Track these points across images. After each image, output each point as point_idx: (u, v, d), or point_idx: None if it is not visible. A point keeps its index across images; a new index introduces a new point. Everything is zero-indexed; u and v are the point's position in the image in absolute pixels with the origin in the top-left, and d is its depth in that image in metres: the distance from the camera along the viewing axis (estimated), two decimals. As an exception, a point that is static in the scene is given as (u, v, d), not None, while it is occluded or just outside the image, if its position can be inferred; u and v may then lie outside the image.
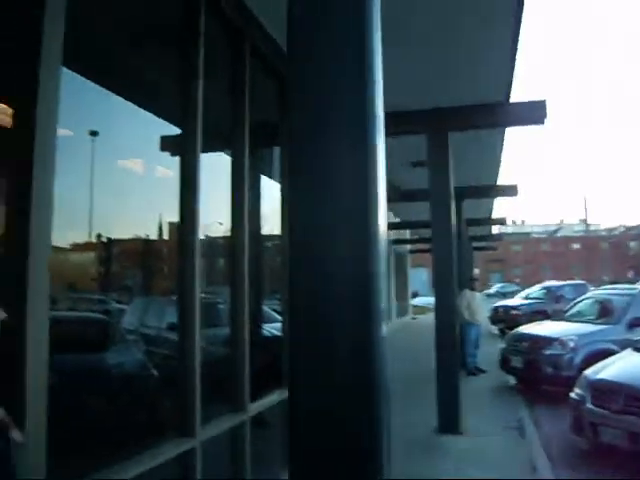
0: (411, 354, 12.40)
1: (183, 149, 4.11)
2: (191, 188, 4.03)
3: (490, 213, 18.78)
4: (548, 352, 10.19)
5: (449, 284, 7.95)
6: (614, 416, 6.53)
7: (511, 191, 14.16)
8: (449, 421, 7.70)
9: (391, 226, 21.14)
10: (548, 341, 10.49)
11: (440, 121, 7.95)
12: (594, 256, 72.98)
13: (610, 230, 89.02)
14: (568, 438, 7.29)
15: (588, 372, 7.76)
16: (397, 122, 8.12)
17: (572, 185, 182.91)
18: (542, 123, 8.20)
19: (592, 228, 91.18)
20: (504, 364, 11.25)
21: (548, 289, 21.39)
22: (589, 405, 6.93)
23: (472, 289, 12.40)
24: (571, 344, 10.13)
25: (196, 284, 3.95)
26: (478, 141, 9.69)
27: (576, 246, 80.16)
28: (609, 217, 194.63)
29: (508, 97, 7.66)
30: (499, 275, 70.22)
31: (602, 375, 7.38)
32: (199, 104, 4.11)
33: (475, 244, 26.09)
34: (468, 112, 7.85)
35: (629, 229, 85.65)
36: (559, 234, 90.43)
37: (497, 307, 21.98)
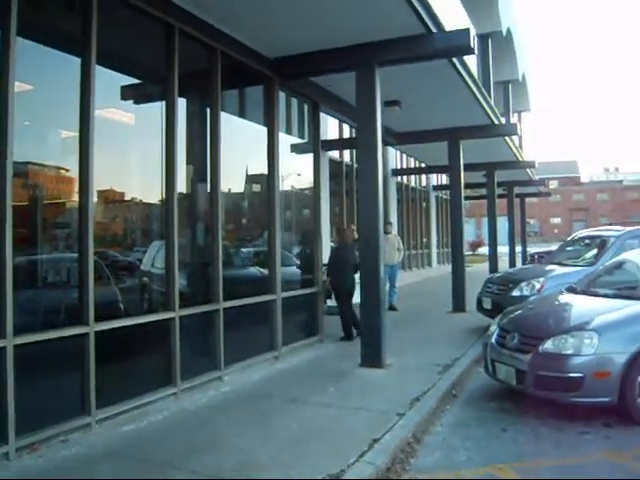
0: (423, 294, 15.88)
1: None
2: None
3: (518, 157, 18.05)
4: (514, 294, 9.96)
5: (374, 228, 7.84)
6: (507, 353, 6.44)
7: (511, 130, 13.63)
8: (372, 356, 7.79)
9: (413, 171, 20.97)
10: (516, 283, 10.25)
11: (365, 55, 7.74)
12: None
13: None
14: (486, 379, 7.17)
15: (508, 310, 7.65)
16: (324, 60, 8.07)
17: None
18: (470, 53, 7.90)
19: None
20: (478, 305, 11.09)
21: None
22: (492, 341, 6.84)
23: (385, 232, 12.02)
24: (537, 285, 9.87)
25: None
26: (435, 79, 9.49)
27: (668, 194, 75.83)
28: None
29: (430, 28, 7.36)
30: (582, 224, 67.34)
31: (512, 314, 7.26)
32: None
33: (518, 190, 25.33)
34: (393, 45, 7.61)
35: None
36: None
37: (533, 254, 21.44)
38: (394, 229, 16.51)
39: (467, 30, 7.45)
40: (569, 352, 5.81)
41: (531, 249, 28.60)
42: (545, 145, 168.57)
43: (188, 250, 7.25)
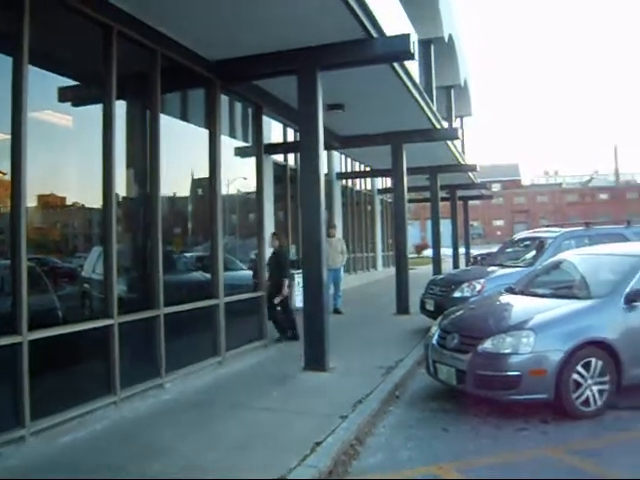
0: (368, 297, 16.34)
1: None
2: None
3: (460, 160, 18.38)
4: (455, 295, 10.13)
5: (317, 231, 7.84)
6: (448, 353, 6.54)
7: (452, 134, 13.88)
8: (315, 359, 7.79)
9: (358, 174, 21.13)
10: (458, 284, 10.43)
11: (307, 59, 7.74)
12: (622, 207, 70.92)
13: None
14: (428, 379, 7.24)
15: (448, 311, 7.78)
16: (266, 64, 8.05)
17: (606, 135, 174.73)
18: (410, 58, 8.00)
19: (628, 178, 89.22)
20: (421, 307, 11.24)
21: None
22: (433, 342, 6.93)
23: (328, 236, 12.22)
24: (478, 287, 10.06)
25: None
26: (377, 84, 9.58)
27: (604, 197, 78.56)
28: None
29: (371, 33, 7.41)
30: (524, 226, 69.07)
31: (452, 315, 7.39)
32: None
33: (462, 193, 25.82)
34: (334, 49, 7.63)
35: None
36: (591, 185, 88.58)
37: (475, 256, 21.87)
38: (339, 232, 16.61)
39: (407, 35, 7.54)
40: (507, 351, 5.94)
41: (474, 251, 29.17)
42: (488, 149, 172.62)
43: (128, 255, 7.11)
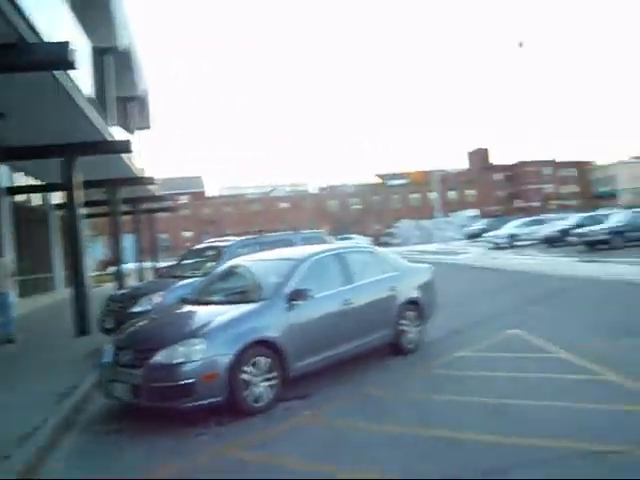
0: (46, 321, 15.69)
1: None
2: None
3: (137, 173, 18.20)
4: (135, 310, 9.94)
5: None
6: (123, 370, 6.41)
7: (124, 147, 13.67)
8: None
9: (33, 189, 19.73)
10: (138, 298, 10.30)
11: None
12: (300, 214, 77.42)
13: (323, 189, 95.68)
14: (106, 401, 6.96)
15: (123, 326, 7.65)
16: None
17: (285, 149, 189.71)
18: (70, 67, 7.74)
19: (304, 188, 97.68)
20: (101, 326, 10.85)
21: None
22: (108, 361, 6.73)
23: None
24: (158, 299, 10.03)
25: None
26: (42, 92, 9.04)
27: (284, 205, 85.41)
28: (321, 178, 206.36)
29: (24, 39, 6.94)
30: (212, 236, 70.97)
31: (127, 330, 7.29)
32: None
33: (146, 206, 25.65)
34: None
35: (332, 188, 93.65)
36: (272, 195, 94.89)
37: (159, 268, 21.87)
38: (9, 253, 15.19)
39: (66, 43, 7.27)
40: (179, 360, 6.05)
41: (163, 263, 29.13)
42: (175, 162, 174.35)
43: None
